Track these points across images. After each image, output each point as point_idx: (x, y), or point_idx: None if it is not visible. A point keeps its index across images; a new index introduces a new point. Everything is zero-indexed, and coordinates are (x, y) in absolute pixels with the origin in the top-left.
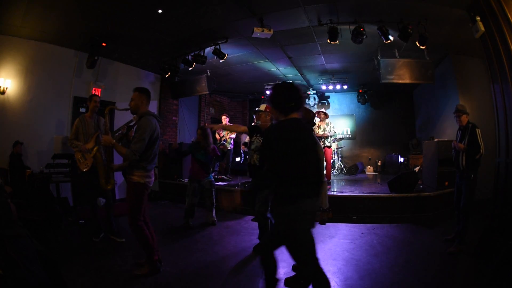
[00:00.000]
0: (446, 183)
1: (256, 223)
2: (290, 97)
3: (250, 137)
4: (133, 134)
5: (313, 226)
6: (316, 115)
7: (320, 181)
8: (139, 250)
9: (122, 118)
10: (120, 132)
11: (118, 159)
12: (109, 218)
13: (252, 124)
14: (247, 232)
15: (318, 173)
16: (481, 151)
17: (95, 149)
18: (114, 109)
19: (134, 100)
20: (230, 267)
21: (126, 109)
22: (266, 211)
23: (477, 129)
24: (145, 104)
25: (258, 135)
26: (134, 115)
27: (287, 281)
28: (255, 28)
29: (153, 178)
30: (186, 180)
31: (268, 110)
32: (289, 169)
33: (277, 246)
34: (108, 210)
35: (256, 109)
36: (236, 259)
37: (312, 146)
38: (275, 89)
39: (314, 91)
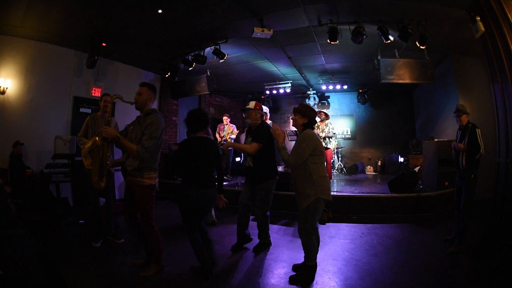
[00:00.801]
0: (446, 183)
1: (255, 223)
2: (197, 120)
3: (245, 140)
4: (132, 132)
5: (198, 205)
6: (317, 115)
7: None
8: (138, 250)
9: (122, 116)
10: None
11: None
12: (108, 220)
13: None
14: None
15: (207, 173)
16: (481, 151)
17: (91, 141)
18: (119, 99)
19: (143, 95)
20: (230, 267)
21: (132, 103)
22: (265, 210)
23: (477, 129)
24: (152, 101)
25: (249, 136)
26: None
27: (292, 279)
28: (255, 28)
29: (158, 179)
30: None
31: (257, 107)
32: (188, 168)
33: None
34: (108, 211)
35: (245, 107)
36: (235, 259)
37: (205, 155)
38: (188, 114)
39: (314, 91)
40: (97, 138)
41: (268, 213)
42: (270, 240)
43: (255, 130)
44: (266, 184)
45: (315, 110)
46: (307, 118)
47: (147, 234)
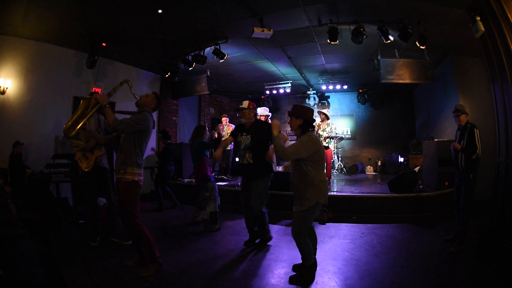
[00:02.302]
0: (446, 183)
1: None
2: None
3: (235, 138)
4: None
5: None
6: (313, 113)
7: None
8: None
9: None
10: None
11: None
12: (113, 220)
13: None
14: (247, 232)
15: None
16: (478, 151)
17: (86, 99)
18: (128, 85)
19: (147, 97)
20: (230, 267)
21: (136, 97)
22: (262, 206)
23: (475, 130)
24: (152, 107)
25: (245, 134)
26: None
27: (292, 279)
28: (255, 28)
29: (143, 177)
30: (186, 180)
31: (251, 107)
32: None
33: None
34: (111, 212)
35: (239, 106)
36: (235, 259)
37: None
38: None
39: (314, 91)
40: (91, 97)
41: (264, 209)
42: (270, 236)
43: (253, 129)
44: (262, 181)
45: (311, 109)
46: (302, 119)
47: (133, 232)
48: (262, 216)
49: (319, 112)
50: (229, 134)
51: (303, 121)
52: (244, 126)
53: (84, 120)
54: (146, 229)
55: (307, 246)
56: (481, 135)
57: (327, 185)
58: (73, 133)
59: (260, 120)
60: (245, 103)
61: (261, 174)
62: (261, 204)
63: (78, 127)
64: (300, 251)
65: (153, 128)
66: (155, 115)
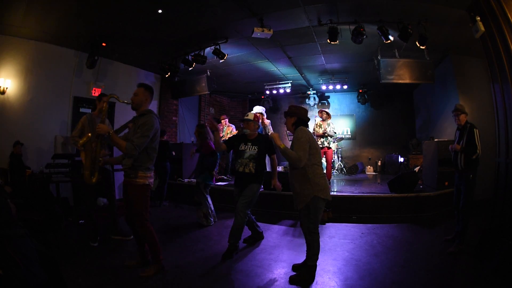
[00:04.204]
0: (446, 183)
1: None
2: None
3: (237, 146)
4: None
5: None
6: (318, 114)
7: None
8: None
9: (122, 116)
10: (125, 131)
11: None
12: (114, 219)
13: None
14: (247, 232)
15: (159, 155)
16: (478, 151)
17: (85, 137)
18: (115, 98)
19: (139, 96)
20: (230, 267)
21: (128, 103)
22: (247, 209)
23: (475, 129)
24: (148, 102)
25: (250, 144)
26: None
27: (292, 279)
28: (255, 28)
29: (153, 179)
30: (186, 180)
31: (256, 119)
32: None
33: None
34: (112, 211)
35: (244, 118)
36: (235, 258)
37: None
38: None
39: (314, 91)
40: (90, 134)
41: (248, 211)
42: (260, 231)
43: (258, 141)
44: (256, 185)
45: (304, 108)
46: (295, 116)
47: (141, 234)
48: (245, 217)
49: (321, 111)
50: (228, 136)
51: (297, 118)
52: (247, 136)
53: (100, 156)
54: (154, 232)
55: (317, 245)
56: (481, 135)
57: (325, 180)
58: (94, 179)
59: (261, 134)
60: (251, 115)
61: (256, 181)
62: (247, 206)
63: (100, 164)
64: (308, 249)
65: (159, 123)
66: None
